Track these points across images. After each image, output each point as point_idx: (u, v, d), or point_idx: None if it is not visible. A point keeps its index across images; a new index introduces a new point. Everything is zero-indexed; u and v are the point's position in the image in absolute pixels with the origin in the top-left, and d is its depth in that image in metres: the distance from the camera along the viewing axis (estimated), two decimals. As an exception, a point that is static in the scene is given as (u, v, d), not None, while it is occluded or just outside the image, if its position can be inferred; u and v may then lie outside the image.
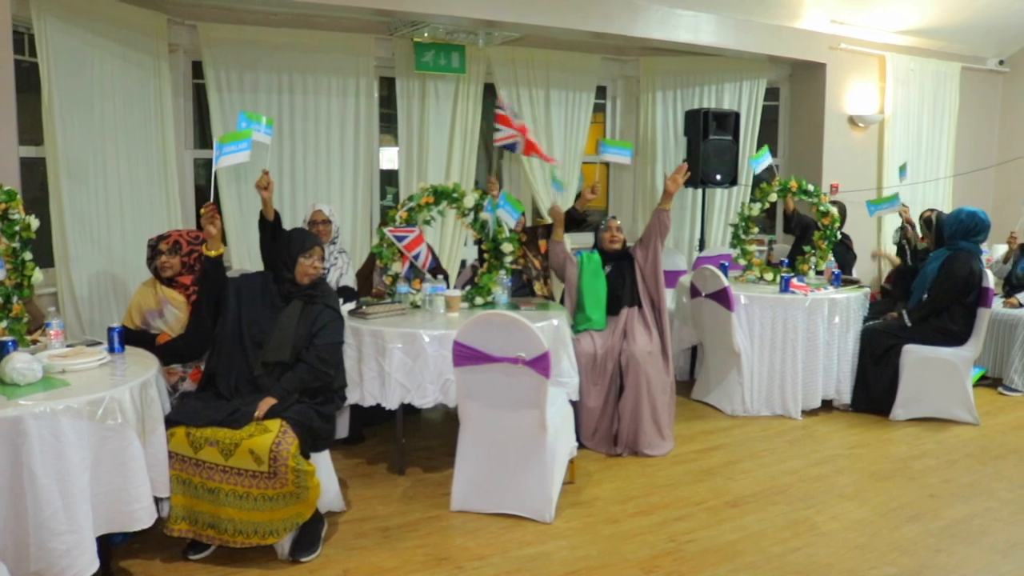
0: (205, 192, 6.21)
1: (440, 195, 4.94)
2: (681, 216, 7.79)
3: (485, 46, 6.74)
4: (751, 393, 5.65)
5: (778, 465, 4.81)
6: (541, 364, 3.80)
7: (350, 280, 5.34)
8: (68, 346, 3.59)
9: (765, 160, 6.20)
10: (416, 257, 4.94)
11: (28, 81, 4.84)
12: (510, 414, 3.94)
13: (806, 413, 5.69)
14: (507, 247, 4.96)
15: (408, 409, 4.49)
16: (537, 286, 5.57)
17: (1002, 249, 7.25)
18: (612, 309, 5.11)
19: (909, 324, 5.66)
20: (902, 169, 7.15)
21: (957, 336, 5.59)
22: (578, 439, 4.61)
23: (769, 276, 6.05)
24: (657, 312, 5.09)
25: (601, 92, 7.78)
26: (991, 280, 5.55)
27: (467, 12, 5.95)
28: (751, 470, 4.74)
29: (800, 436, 5.33)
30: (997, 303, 6.46)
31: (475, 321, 3.90)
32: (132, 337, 3.85)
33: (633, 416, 4.85)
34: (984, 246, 6.11)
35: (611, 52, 7.53)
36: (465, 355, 3.93)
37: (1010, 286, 6.81)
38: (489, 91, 7.02)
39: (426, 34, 6.37)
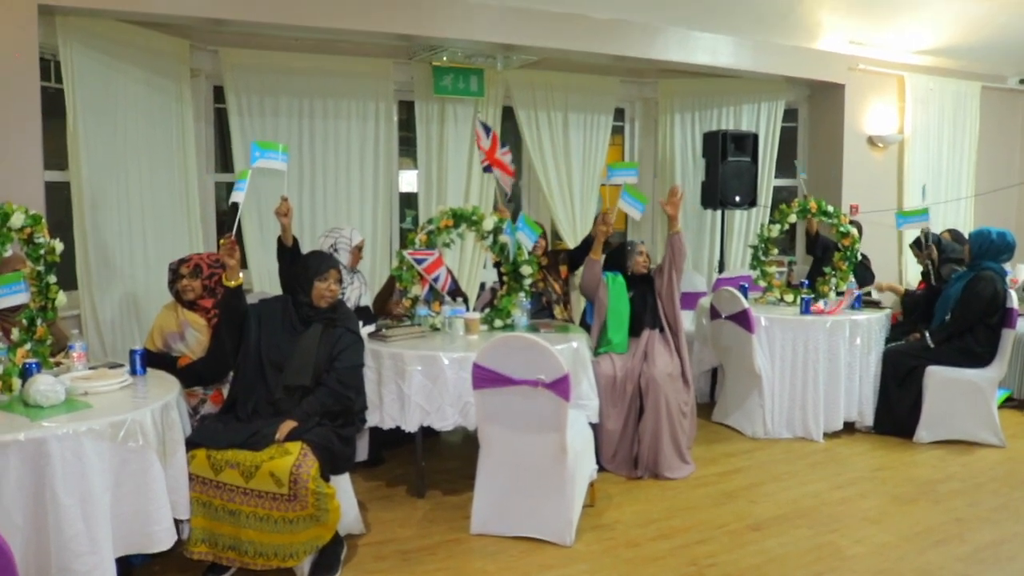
0: (226, 216, 6.27)
1: (459, 218, 4.96)
2: (700, 238, 7.77)
3: (503, 69, 6.78)
4: (772, 415, 5.61)
5: (800, 488, 4.76)
6: (561, 387, 3.79)
7: (367, 302, 5.36)
8: (90, 368, 3.61)
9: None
10: (436, 280, 4.95)
11: (54, 107, 4.91)
12: (530, 437, 3.92)
13: (828, 435, 5.63)
14: (526, 269, 4.97)
15: (427, 432, 4.48)
16: (557, 310, 5.57)
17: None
18: (634, 331, 5.10)
19: (932, 345, 5.61)
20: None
21: (981, 357, 5.53)
22: (598, 462, 4.59)
23: (789, 297, 6.02)
24: (676, 335, 5.08)
25: (619, 114, 7.80)
26: (1015, 300, 5.49)
27: (485, 36, 6.00)
28: (773, 493, 4.69)
29: (822, 459, 5.27)
30: (1022, 324, 6.37)
31: (494, 343, 3.90)
32: (154, 359, 3.88)
33: (653, 439, 4.83)
34: (1008, 266, 6.05)
35: (629, 74, 7.55)
36: (485, 377, 3.92)
37: None
38: (508, 114, 7.05)
39: (445, 58, 6.42)
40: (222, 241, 3.73)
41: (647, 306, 5.12)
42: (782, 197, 7.82)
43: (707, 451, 5.33)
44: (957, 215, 8.44)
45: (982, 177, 8.72)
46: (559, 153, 7.19)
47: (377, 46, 6.36)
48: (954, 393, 5.51)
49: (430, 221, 4.98)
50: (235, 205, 3.85)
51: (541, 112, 7.13)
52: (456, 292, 5.31)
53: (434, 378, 4.27)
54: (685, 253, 5.13)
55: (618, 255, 5.35)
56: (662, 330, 5.09)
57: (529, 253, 4.99)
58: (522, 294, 5.00)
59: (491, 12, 5.95)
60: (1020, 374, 6.46)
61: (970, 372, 5.51)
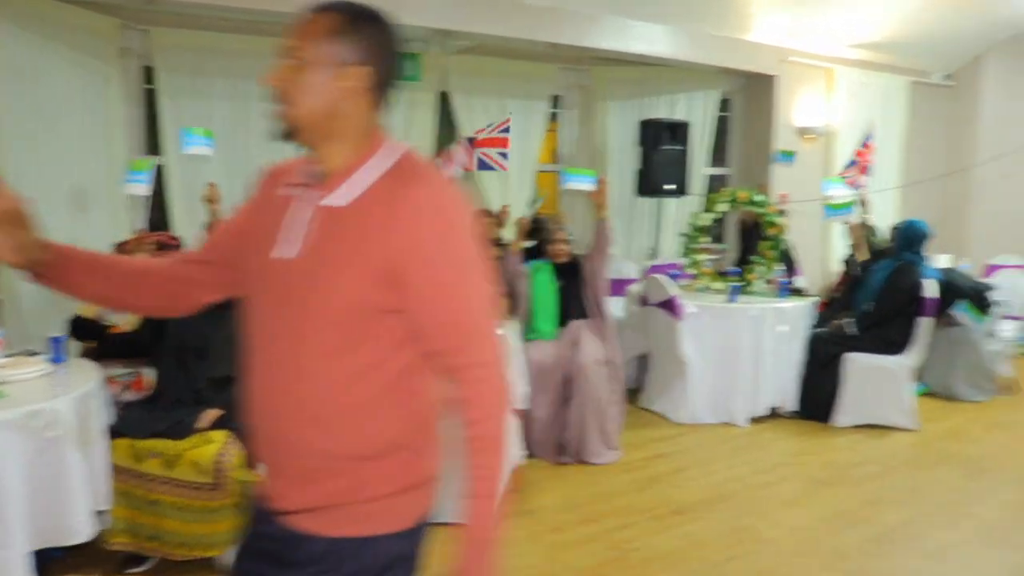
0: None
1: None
2: (634, 225, 7.87)
3: (440, 54, 6.76)
4: (698, 401, 5.73)
5: (723, 473, 4.89)
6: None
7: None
8: (7, 356, 3.55)
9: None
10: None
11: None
12: (451, 422, 3.96)
13: (752, 420, 5.78)
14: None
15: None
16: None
17: (947, 259, 7.39)
18: (562, 320, 5.16)
19: (854, 333, 5.78)
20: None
21: (899, 345, 5.72)
22: (526, 448, 4.65)
23: (718, 285, 6.14)
24: (604, 322, 5.15)
25: (557, 101, 7.84)
26: (931, 291, 5.69)
27: (421, 21, 5.96)
28: (696, 478, 4.81)
29: (746, 443, 5.42)
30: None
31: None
32: (84, 325, 3.85)
33: (580, 425, 4.90)
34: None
35: (567, 62, 7.58)
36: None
37: None
38: (444, 99, 7.04)
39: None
40: (133, 237, 3.69)
41: (574, 295, 5.17)
42: (718, 186, 7.93)
43: (633, 436, 5.43)
44: (885, 207, 8.63)
45: (910, 169, 8.95)
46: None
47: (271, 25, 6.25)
48: (872, 379, 5.69)
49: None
50: (143, 197, 3.79)
51: (477, 98, 7.13)
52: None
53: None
54: (611, 239, 5.19)
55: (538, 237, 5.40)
56: (590, 318, 5.15)
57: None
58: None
59: (426, -4, 5.93)
60: (943, 368, 6.64)
61: (887, 359, 5.70)
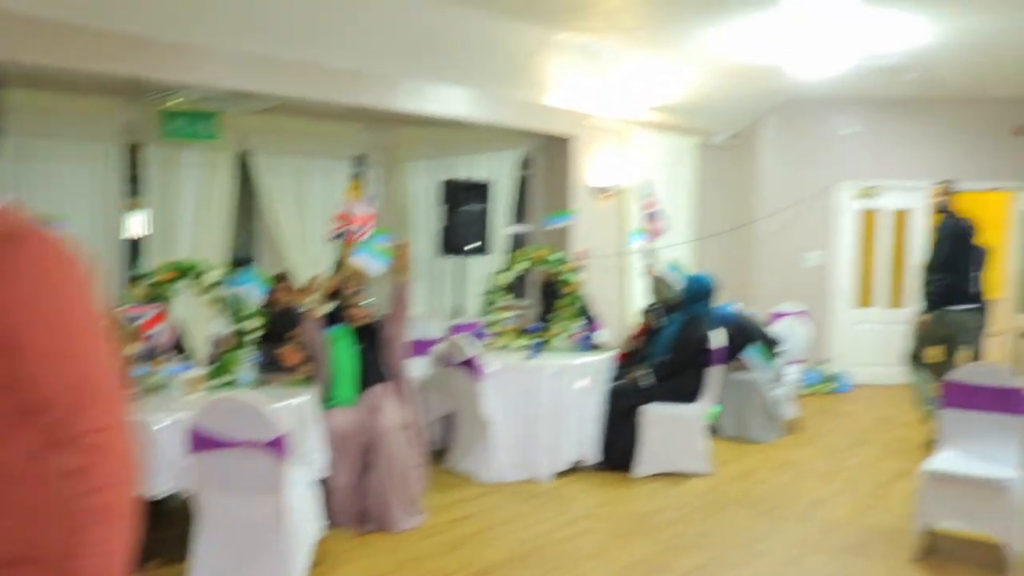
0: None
1: (182, 270, 4.79)
2: (437, 285, 7.93)
3: (238, 114, 6.63)
4: (503, 459, 5.77)
5: (528, 530, 4.94)
6: (279, 447, 3.72)
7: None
8: None
9: (564, 220, 6.40)
10: (155, 336, 4.74)
11: None
12: (248, 500, 3.84)
13: (556, 475, 5.87)
14: (252, 323, 4.86)
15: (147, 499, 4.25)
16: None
17: (738, 306, 7.86)
18: (362, 385, 5.09)
19: (649, 384, 6.03)
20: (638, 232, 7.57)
21: (692, 394, 6.01)
22: (327, 518, 4.55)
23: (520, 343, 6.27)
24: (404, 385, 5.13)
25: (360, 161, 7.84)
26: (718, 342, 6.03)
27: (219, 82, 5.80)
28: (501, 536, 4.83)
29: (549, 499, 5.49)
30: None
31: (207, 405, 3.81)
32: None
33: (382, 492, 4.83)
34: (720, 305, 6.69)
35: (370, 122, 7.60)
36: (199, 441, 3.79)
37: None
38: (244, 160, 6.90)
39: (176, 101, 6.18)
40: None
41: (375, 359, 5.13)
42: (521, 244, 8.13)
43: (438, 499, 5.39)
44: (679, 260, 9.10)
45: (701, 223, 9.52)
46: (296, 200, 7.10)
47: (100, 83, 5.98)
48: (668, 428, 5.94)
49: (149, 274, 4.77)
50: None
51: (278, 158, 7.03)
52: (179, 347, 5.11)
53: (146, 444, 4.07)
54: (411, 303, 5.21)
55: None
56: (390, 381, 5.12)
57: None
58: (247, 349, 4.89)
59: (223, 57, 5.74)
60: (735, 412, 7.03)
61: (682, 408, 5.97)
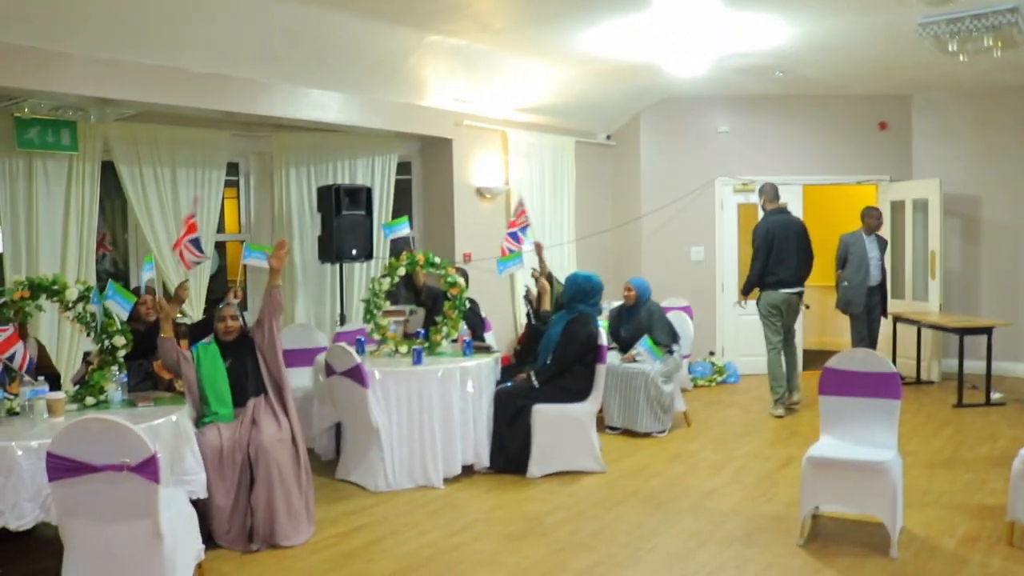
0: None
1: (38, 288, 4.49)
2: (320, 292, 7.72)
3: (99, 123, 6.27)
4: (393, 467, 5.63)
5: (419, 539, 4.81)
6: (149, 469, 3.51)
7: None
8: None
9: (401, 229, 6.44)
10: (10, 358, 4.43)
11: None
12: (119, 526, 3.60)
13: (448, 481, 5.76)
14: (119, 340, 4.61)
15: (7, 531, 3.94)
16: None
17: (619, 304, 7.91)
18: (238, 400, 4.85)
19: (537, 385, 5.99)
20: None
21: (580, 393, 6.00)
22: (211, 538, 4.33)
23: (404, 348, 6.14)
24: (281, 395, 4.93)
25: (234, 168, 7.55)
26: (605, 338, 6.04)
27: (74, 88, 5.47)
28: (391, 548, 4.69)
29: (442, 505, 5.38)
30: (614, 357, 7.03)
31: (69, 428, 3.54)
32: None
33: (267, 508, 4.62)
34: (604, 303, 6.69)
35: (242, 128, 7.32)
36: (61, 467, 3.53)
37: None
38: (108, 169, 6.52)
39: (26, 109, 5.80)
40: None
41: (248, 372, 4.91)
42: (401, 246, 7.98)
43: (328, 511, 5.22)
44: (561, 259, 9.14)
45: (581, 223, 9.57)
46: (169, 211, 6.77)
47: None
48: (559, 428, 5.91)
49: (1, 293, 4.45)
50: None
51: (146, 167, 6.67)
52: (40, 370, 4.79)
53: (7, 472, 3.80)
54: (281, 307, 5.03)
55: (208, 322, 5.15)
56: (267, 394, 4.91)
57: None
58: (116, 367, 4.62)
59: (77, 63, 5.42)
60: (626, 406, 7.06)
61: (571, 407, 5.95)
